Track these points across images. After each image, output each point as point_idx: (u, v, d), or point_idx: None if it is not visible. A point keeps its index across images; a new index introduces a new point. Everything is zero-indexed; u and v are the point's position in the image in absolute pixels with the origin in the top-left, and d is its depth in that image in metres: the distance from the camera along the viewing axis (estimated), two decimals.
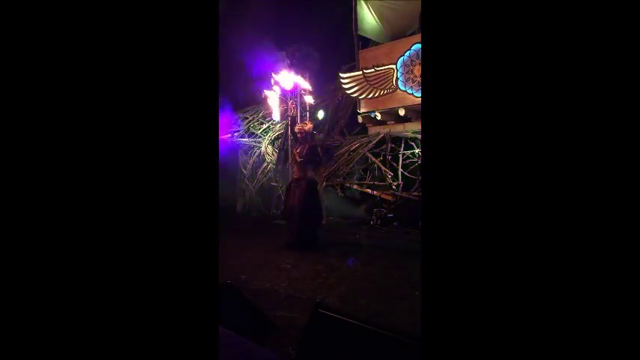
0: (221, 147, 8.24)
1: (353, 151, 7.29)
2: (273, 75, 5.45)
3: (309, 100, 5.43)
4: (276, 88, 5.47)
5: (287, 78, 5.37)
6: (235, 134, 9.00)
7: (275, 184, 8.19)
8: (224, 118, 8.79)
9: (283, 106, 5.62)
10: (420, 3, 7.11)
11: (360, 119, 7.77)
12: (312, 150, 4.96)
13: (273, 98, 5.48)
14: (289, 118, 5.04)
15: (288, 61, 5.43)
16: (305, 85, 5.35)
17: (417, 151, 6.70)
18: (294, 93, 5.47)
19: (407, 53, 6.90)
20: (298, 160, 4.92)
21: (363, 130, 7.98)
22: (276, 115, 5.69)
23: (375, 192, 6.76)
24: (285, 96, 5.47)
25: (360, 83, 7.38)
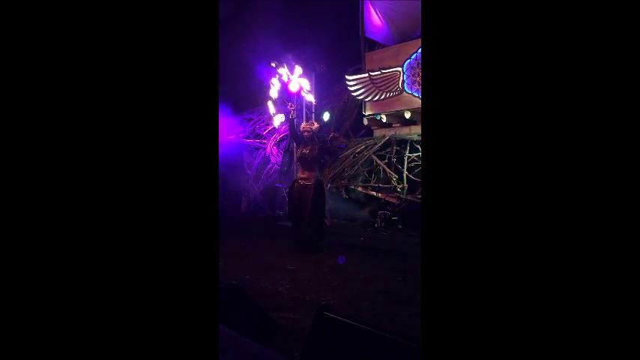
0: (226, 148, 8.26)
1: (358, 153, 7.28)
2: (273, 81, 5.35)
3: (310, 98, 5.35)
4: (273, 91, 5.35)
5: (286, 74, 5.27)
6: (240, 135, 9.03)
7: (280, 185, 8.20)
8: (229, 120, 8.82)
9: (284, 108, 5.57)
10: None
11: (365, 121, 7.77)
12: (321, 151, 4.87)
13: (270, 105, 5.37)
14: (290, 121, 4.95)
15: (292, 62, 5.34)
16: (304, 83, 5.27)
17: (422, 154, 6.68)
18: (296, 95, 5.40)
19: (413, 56, 6.89)
20: (308, 159, 4.79)
21: (369, 132, 7.98)
22: (277, 122, 5.60)
23: (379, 194, 6.75)
24: (288, 98, 5.41)
25: (366, 85, 7.38)
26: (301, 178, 4.85)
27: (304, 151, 4.84)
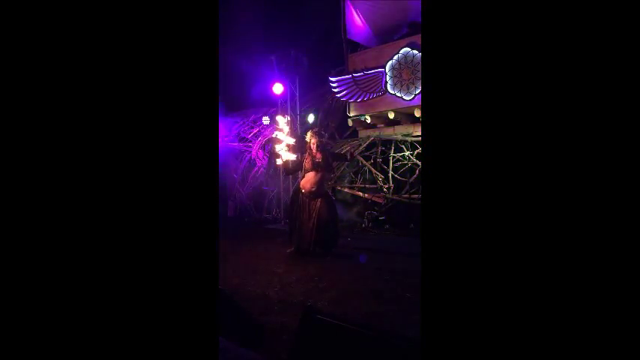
0: None
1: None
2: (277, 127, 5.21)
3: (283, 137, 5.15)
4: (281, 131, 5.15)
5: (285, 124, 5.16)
6: (225, 139, 8.97)
7: (266, 188, 8.18)
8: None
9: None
10: (406, 8, 7.18)
11: (350, 123, 7.81)
12: (331, 157, 4.73)
13: (282, 137, 5.16)
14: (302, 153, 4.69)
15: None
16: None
17: (406, 153, 6.74)
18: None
19: (395, 57, 6.95)
20: (316, 167, 4.50)
21: (354, 133, 8.02)
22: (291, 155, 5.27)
23: (366, 195, 6.78)
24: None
25: (350, 87, 7.42)
26: (308, 189, 4.55)
27: (317, 157, 4.54)
